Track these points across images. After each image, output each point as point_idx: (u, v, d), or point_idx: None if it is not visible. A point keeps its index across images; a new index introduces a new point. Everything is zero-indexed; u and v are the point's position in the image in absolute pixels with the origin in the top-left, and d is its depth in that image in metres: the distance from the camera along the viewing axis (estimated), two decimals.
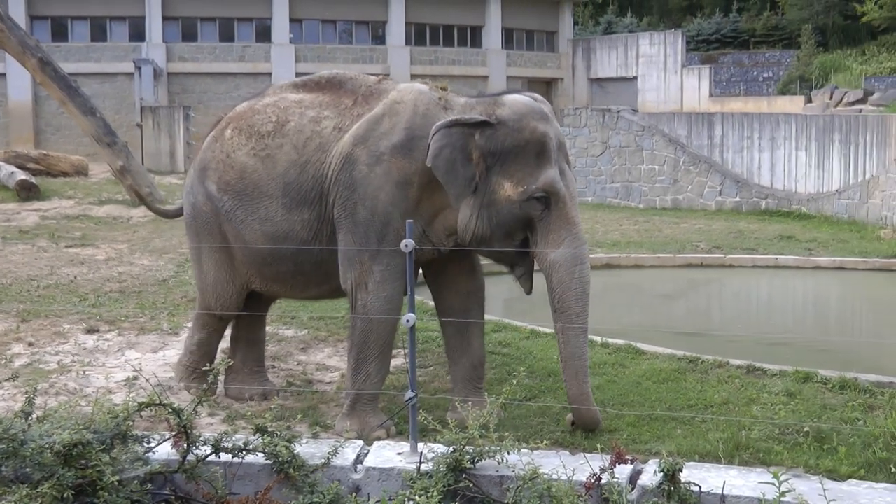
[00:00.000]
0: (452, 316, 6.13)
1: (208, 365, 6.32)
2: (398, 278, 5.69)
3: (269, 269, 6.20)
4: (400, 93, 5.91)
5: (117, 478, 3.78)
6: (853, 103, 27.07)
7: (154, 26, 31.08)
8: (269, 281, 6.31)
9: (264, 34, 32.77)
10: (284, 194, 5.97)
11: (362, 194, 5.71)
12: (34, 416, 4.10)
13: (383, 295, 5.71)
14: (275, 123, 6.09)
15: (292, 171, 5.96)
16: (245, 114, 6.33)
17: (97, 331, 8.33)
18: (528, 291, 5.97)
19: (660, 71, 35.88)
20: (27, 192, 17.89)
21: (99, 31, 31.50)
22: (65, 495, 3.66)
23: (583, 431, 5.73)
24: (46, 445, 3.71)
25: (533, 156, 5.61)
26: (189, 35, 32.07)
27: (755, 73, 35.26)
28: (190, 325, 8.56)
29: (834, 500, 3.61)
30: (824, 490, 3.64)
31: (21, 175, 18.47)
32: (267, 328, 7.99)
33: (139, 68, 28.62)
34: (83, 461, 3.78)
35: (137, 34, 31.31)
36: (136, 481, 3.90)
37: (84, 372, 7.13)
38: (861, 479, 4.54)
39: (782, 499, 3.59)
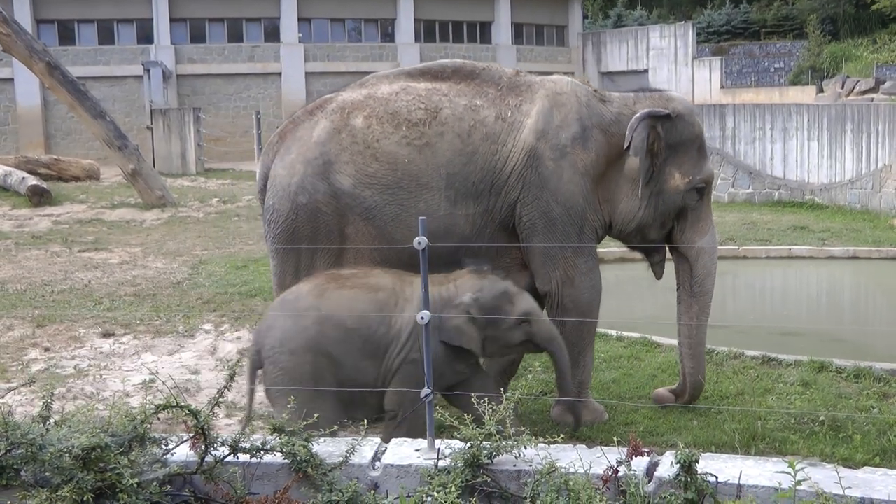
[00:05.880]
0: None
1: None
2: (597, 266, 5.92)
3: (414, 269, 5.75)
4: (556, 84, 5.95)
5: (136, 480, 3.80)
6: (865, 92, 26.92)
7: (162, 28, 31.13)
8: None
9: (273, 34, 32.80)
10: (448, 186, 5.65)
11: (554, 191, 5.69)
12: (52, 420, 4.13)
13: (590, 285, 5.84)
14: (425, 110, 5.72)
15: (457, 161, 5.66)
16: (368, 102, 5.80)
17: (113, 334, 8.38)
18: (660, 277, 6.27)
19: (670, 63, 35.77)
20: (39, 198, 17.94)
21: (106, 34, 31.55)
22: (84, 498, 3.68)
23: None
24: (65, 449, 3.73)
25: (696, 148, 5.96)
26: (197, 36, 32.13)
27: (766, 64, 35.10)
28: (206, 326, 8.60)
29: (849, 487, 3.62)
30: (840, 478, 3.64)
31: (32, 181, 18.53)
32: None
33: (148, 71, 28.69)
34: (102, 464, 3.80)
35: (145, 36, 31.39)
36: (155, 483, 3.92)
37: (101, 376, 7.17)
38: (876, 466, 4.54)
39: (798, 488, 3.59)
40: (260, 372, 5.17)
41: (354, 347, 5.03)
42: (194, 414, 4.09)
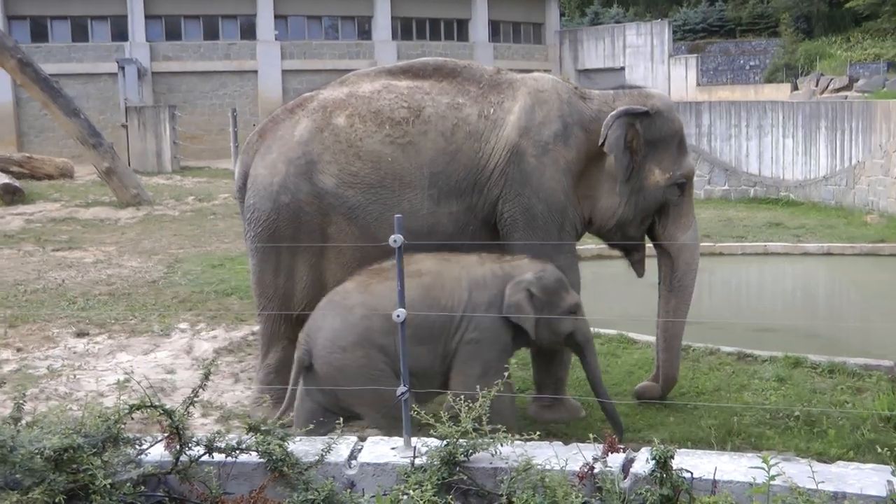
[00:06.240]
0: None
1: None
2: (577, 263, 5.97)
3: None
4: (538, 82, 5.96)
5: (109, 481, 3.75)
6: (838, 90, 27.19)
7: (137, 25, 30.90)
8: None
9: (249, 31, 32.66)
10: (431, 185, 5.63)
11: (536, 187, 5.68)
12: (23, 421, 4.08)
13: (569, 282, 5.78)
14: (408, 109, 5.70)
15: (440, 159, 5.64)
16: (350, 101, 5.79)
17: (87, 334, 8.30)
18: (641, 275, 6.27)
19: (647, 61, 35.93)
20: (11, 197, 17.72)
21: (80, 31, 31.30)
22: (56, 500, 3.63)
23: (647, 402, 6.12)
24: (36, 451, 3.67)
25: (676, 144, 5.98)
26: (173, 34, 31.94)
27: (742, 62, 35.33)
28: (175, 325, 8.54)
29: (822, 482, 3.64)
30: (813, 472, 3.67)
31: (4, 179, 18.29)
32: (249, 327, 7.94)
33: (123, 68, 28.49)
34: (74, 465, 3.75)
35: (120, 34, 31.15)
36: (128, 484, 3.89)
37: (74, 376, 7.11)
38: (850, 460, 4.59)
39: (772, 483, 3.61)
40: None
41: (405, 335, 5.05)
42: (169, 413, 4.05)
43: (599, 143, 5.71)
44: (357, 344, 5.07)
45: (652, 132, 5.84)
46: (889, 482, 3.67)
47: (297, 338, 6.17)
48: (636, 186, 5.87)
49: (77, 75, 29.68)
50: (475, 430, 4.07)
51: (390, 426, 4.92)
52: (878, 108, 16.91)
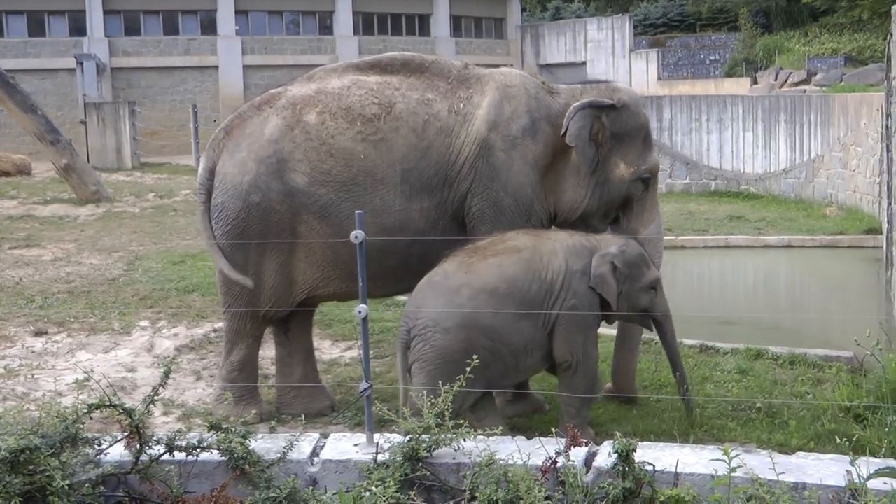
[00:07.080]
0: None
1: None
2: None
3: (369, 265, 5.20)
4: (506, 77, 5.95)
5: (68, 482, 3.72)
6: (797, 84, 27.49)
7: (95, 20, 30.51)
8: (356, 281, 5.24)
9: (210, 27, 32.36)
10: (403, 181, 5.62)
11: (503, 181, 5.69)
12: None
13: None
14: (379, 105, 5.68)
15: (412, 156, 5.63)
16: (320, 98, 5.74)
17: (45, 333, 8.17)
18: None
19: (608, 56, 36.11)
20: None
21: (37, 26, 30.83)
22: (12, 503, 3.59)
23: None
24: None
25: (642, 139, 5.99)
26: (132, 29, 31.59)
27: (702, 56, 35.57)
28: (133, 323, 8.45)
29: (783, 472, 3.68)
30: (774, 464, 3.71)
31: None
32: (211, 325, 7.86)
33: (81, 63, 28.10)
34: (31, 467, 3.71)
35: (77, 29, 30.74)
36: (87, 484, 3.85)
37: (32, 375, 7.00)
38: (811, 451, 4.64)
39: (734, 474, 3.64)
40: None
41: (511, 311, 5.15)
42: (128, 412, 4.02)
43: (561, 134, 5.73)
44: (462, 326, 5.06)
45: (618, 125, 5.87)
46: (848, 472, 3.72)
47: (262, 336, 6.13)
48: (601, 179, 5.90)
49: (34, 71, 29.23)
50: (438, 425, 4.07)
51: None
52: (835, 102, 17.12)
